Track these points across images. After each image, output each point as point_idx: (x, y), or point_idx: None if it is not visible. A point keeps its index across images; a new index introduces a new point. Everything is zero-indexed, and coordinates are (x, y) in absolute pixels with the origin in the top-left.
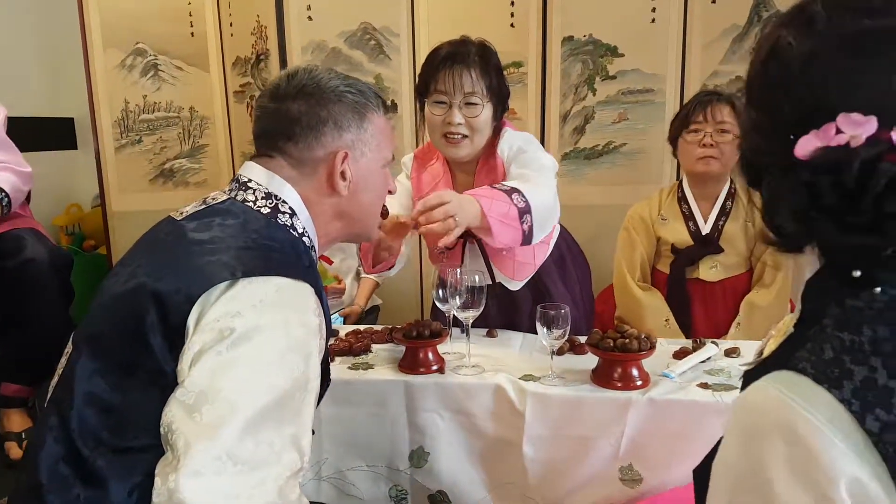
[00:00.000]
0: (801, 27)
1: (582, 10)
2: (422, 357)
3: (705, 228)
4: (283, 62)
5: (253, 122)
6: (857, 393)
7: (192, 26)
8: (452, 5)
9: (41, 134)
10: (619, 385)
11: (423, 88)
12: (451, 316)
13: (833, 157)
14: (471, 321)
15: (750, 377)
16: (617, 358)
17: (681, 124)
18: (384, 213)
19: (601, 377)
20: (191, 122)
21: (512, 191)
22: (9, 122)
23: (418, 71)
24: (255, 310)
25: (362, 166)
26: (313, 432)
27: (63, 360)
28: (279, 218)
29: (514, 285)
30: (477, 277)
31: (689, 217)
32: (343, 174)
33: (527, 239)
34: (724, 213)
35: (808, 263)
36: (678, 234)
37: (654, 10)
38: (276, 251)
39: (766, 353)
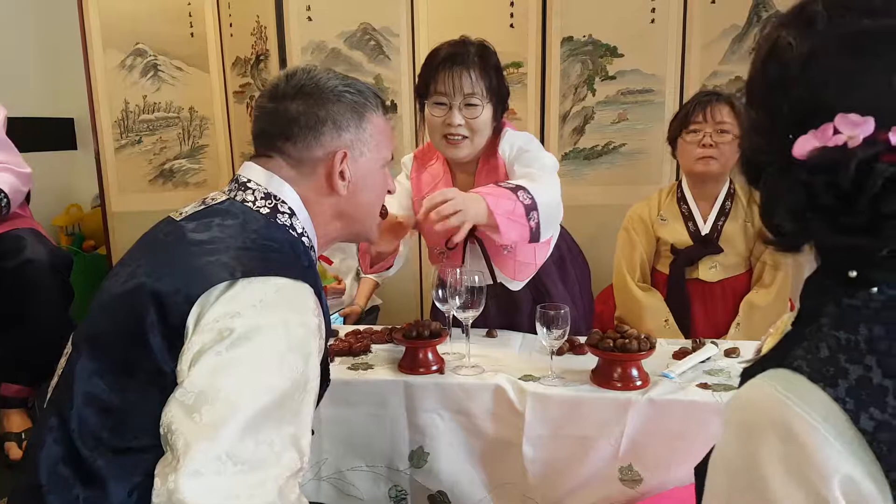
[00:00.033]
0: (801, 27)
1: (581, 11)
2: (421, 357)
3: (704, 229)
4: (283, 62)
5: (252, 122)
6: (852, 391)
7: (191, 27)
8: (452, 6)
9: (41, 134)
10: (619, 385)
11: (423, 89)
12: (451, 316)
13: (830, 157)
14: (470, 321)
15: (747, 375)
16: (617, 358)
17: (680, 125)
18: (383, 213)
19: (601, 377)
20: (190, 123)
21: (517, 188)
22: (8, 122)
23: (418, 71)
24: (255, 310)
25: (361, 166)
26: (313, 432)
27: (62, 361)
28: (278, 218)
29: (515, 285)
30: (476, 278)
31: (688, 217)
32: (342, 174)
33: (534, 236)
34: (723, 213)
35: (807, 263)
36: (677, 234)
37: (653, 10)
38: (275, 251)
39: (764, 351)
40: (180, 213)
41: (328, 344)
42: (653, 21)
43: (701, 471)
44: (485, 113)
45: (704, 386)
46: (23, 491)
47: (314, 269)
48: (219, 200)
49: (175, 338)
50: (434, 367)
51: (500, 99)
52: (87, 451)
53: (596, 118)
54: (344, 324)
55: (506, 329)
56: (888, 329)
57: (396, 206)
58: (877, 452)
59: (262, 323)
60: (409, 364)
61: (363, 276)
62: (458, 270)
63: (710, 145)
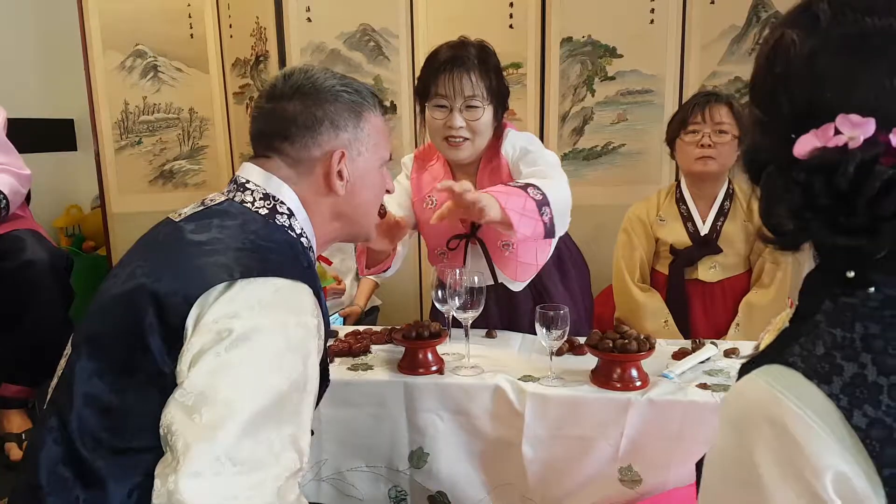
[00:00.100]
0: (805, 25)
1: (581, 11)
2: (421, 358)
3: (704, 229)
4: (283, 63)
5: (250, 122)
6: (846, 389)
7: (191, 28)
8: (451, 6)
9: (41, 135)
10: (619, 386)
11: (424, 92)
12: (451, 317)
13: (829, 158)
14: (470, 322)
15: (744, 370)
16: (616, 358)
17: (679, 125)
18: (382, 212)
19: (600, 378)
20: (190, 124)
21: (527, 186)
22: (9, 123)
23: (417, 72)
24: (254, 311)
25: (359, 166)
26: (312, 433)
27: (62, 362)
28: (277, 219)
29: (517, 286)
30: (476, 278)
31: (687, 218)
32: (340, 174)
33: (549, 231)
34: (722, 213)
35: (806, 263)
36: (677, 234)
37: (652, 10)
38: (274, 252)
39: (762, 347)
40: (179, 214)
41: (327, 344)
42: (652, 22)
43: (701, 466)
44: (486, 114)
45: (704, 386)
46: (23, 491)
47: (313, 269)
48: (218, 201)
49: (174, 338)
50: (434, 368)
51: (500, 100)
52: (86, 452)
53: (595, 119)
54: (344, 324)
55: (506, 329)
56: (884, 327)
57: (396, 206)
58: (869, 450)
59: (261, 324)
60: (409, 364)
61: (362, 276)
62: (457, 271)
63: (709, 146)
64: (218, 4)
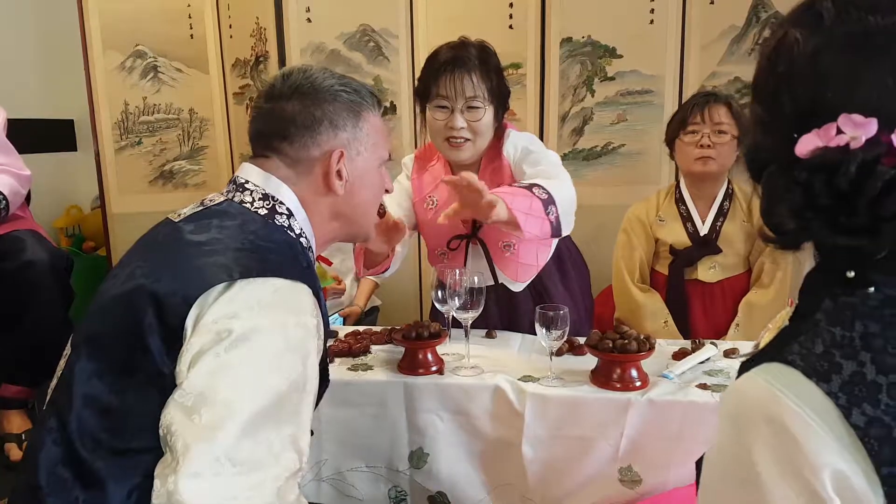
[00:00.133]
0: (809, 23)
1: (580, 12)
2: (421, 358)
3: (703, 229)
4: (283, 64)
5: (249, 123)
6: (845, 387)
7: (191, 28)
8: (451, 7)
9: (41, 136)
10: (619, 386)
11: (424, 93)
12: (451, 317)
13: (831, 157)
14: (470, 322)
15: (744, 368)
16: (616, 359)
17: (678, 126)
18: (381, 212)
19: (600, 378)
20: (190, 124)
21: (532, 185)
22: (9, 123)
23: (417, 72)
24: (253, 311)
25: (358, 165)
26: (312, 433)
27: (62, 363)
28: (277, 219)
29: (517, 287)
30: (476, 278)
31: (686, 218)
32: (339, 173)
33: (556, 230)
34: (721, 213)
35: (806, 263)
36: (676, 235)
37: (652, 11)
38: (273, 252)
39: (762, 345)
40: (178, 215)
41: (327, 345)
42: (652, 22)
43: (700, 465)
44: (487, 115)
45: (704, 386)
46: (22, 492)
47: (312, 269)
48: (217, 202)
49: (173, 339)
50: (433, 368)
51: (501, 100)
52: (86, 453)
53: (595, 119)
54: (344, 324)
55: (506, 330)
56: (884, 326)
57: (396, 206)
58: (868, 448)
59: (261, 324)
60: (409, 365)
61: (361, 277)
62: (457, 271)
63: (708, 146)
64: (218, 5)
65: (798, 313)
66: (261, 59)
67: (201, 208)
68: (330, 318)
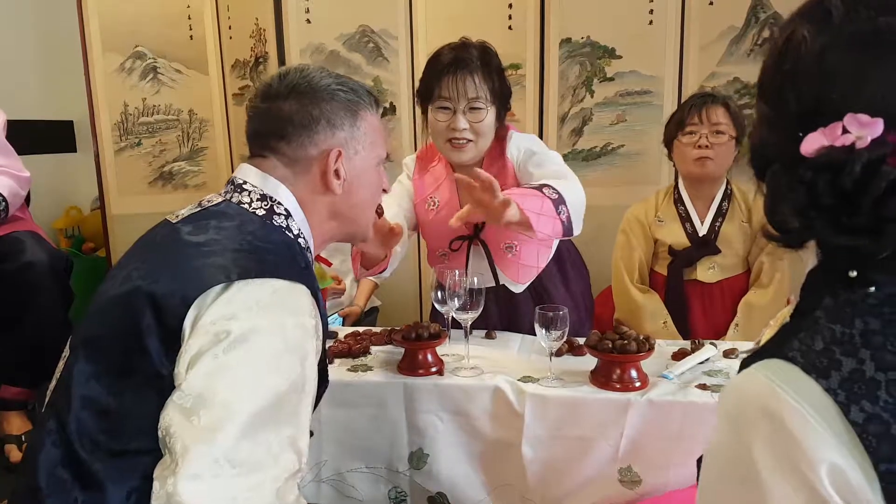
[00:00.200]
0: (817, 21)
1: (580, 12)
2: (421, 359)
3: (702, 230)
4: (282, 65)
5: (246, 122)
6: (844, 384)
7: (191, 29)
8: (450, 8)
9: (41, 137)
10: (618, 386)
11: (426, 94)
12: (450, 318)
13: (836, 156)
14: (469, 323)
15: (744, 365)
16: (616, 359)
17: (676, 126)
18: (380, 211)
19: (600, 378)
20: (190, 125)
21: (542, 186)
22: (8, 125)
23: (417, 73)
24: (251, 312)
25: (356, 165)
26: (311, 434)
27: (60, 364)
28: (275, 219)
29: (518, 288)
30: (475, 279)
31: (685, 218)
32: (337, 172)
33: (567, 230)
34: (720, 213)
35: (806, 263)
36: (675, 235)
37: (651, 11)
38: (271, 253)
39: (763, 342)
40: (176, 216)
41: (326, 345)
42: (651, 22)
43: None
44: (489, 116)
45: (703, 387)
46: (22, 493)
47: (311, 270)
48: (215, 202)
49: (172, 340)
50: (433, 369)
51: (502, 101)
52: (85, 454)
53: (594, 119)
54: (343, 324)
55: (507, 331)
56: (884, 324)
57: (396, 206)
58: (866, 445)
59: (259, 325)
60: (409, 366)
61: (358, 279)
62: (456, 272)
63: (706, 146)
64: (217, 6)
65: (799, 310)
66: (260, 60)
67: (199, 209)
68: (330, 318)
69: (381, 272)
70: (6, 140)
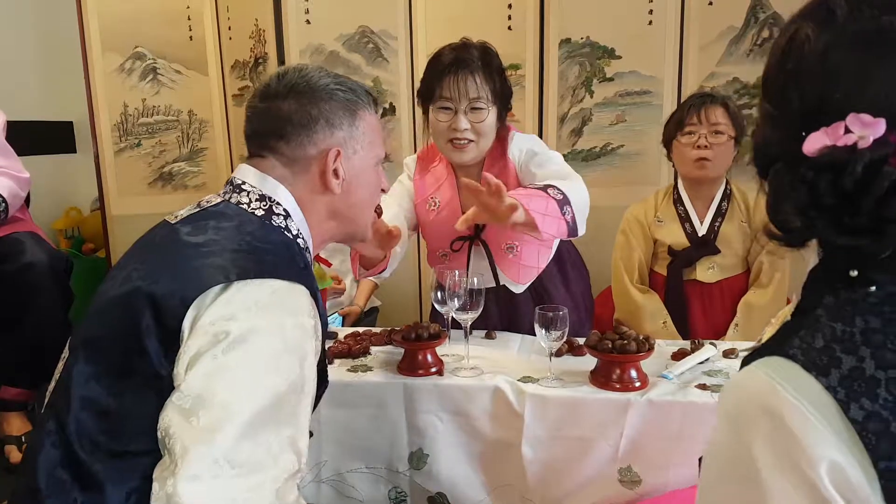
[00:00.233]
0: (821, 20)
1: (579, 13)
2: (420, 359)
3: (701, 230)
4: (282, 65)
5: (244, 123)
6: (844, 381)
7: (190, 30)
8: (450, 8)
9: (40, 137)
10: (618, 386)
11: (428, 94)
12: (450, 318)
13: (838, 156)
14: (469, 323)
15: (745, 362)
16: (615, 359)
17: (675, 127)
18: (379, 211)
19: (600, 378)
20: (190, 126)
21: (546, 187)
22: (8, 125)
23: (416, 74)
24: (250, 313)
25: (355, 164)
26: (311, 434)
27: (60, 365)
28: (273, 220)
29: (518, 288)
30: (475, 280)
31: (684, 219)
32: (336, 172)
33: (572, 230)
34: (720, 214)
35: (810, 261)
36: (674, 235)
37: (651, 12)
38: (270, 253)
39: (765, 340)
40: (175, 217)
41: (325, 346)
42: (650, 23)
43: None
44: (490, 116)
45: (703, 387)
46: (22, 494)
47: (310, 270)
48: (213, 203)
49: (171, 341)
50: (433, 369)
51: (504, 101)
52: (84, 455)
53: (594, 120)
54: (343, 323)
55: (507, 331)
56: (884, 322)
57: (397, 206)
58: (865, 442)
59: (258, 326)
60: (409, 366)
61: (357, 279)
62: (456, 272)
63: (705, 146)
64: (217, 6)
65: (800, 309)
66: (260, 60)
67: (198, 210)
68: (330, 318)
69: (380, 272)
70: (6, 141)
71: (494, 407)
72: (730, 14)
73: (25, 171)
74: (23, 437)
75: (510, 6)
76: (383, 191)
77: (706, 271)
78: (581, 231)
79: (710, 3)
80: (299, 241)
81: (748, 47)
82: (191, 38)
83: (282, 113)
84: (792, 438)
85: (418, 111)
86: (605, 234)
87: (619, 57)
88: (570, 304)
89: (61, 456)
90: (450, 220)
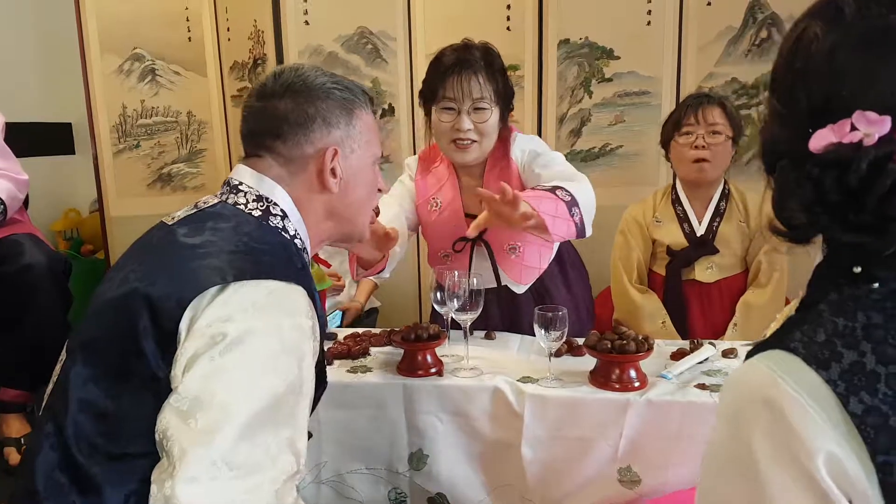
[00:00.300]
0: (829, 18)
1: (578, 13)
2: (420, 360)
3: (700, 230)
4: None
5: (241, 122)
6: (844, 375)
7: (189, 31)
8: (448, 9)
9: (39, 139)
10: (617, 386)
11: (430, 95)
12: (450, 318)
13: (843, 153)
14: (469, 324)
15: (749, 356)
16: (615, 359)
17: (672, 127)
18: (377, 211)
19: (599, 379)
20: (188, 127)
21: (554, 188)
22: (7, 127)
23: (415, 74)
24: (247, 314)
25: (352, 163)
26: (310, 435)
27: (57, 367)
28: (271, 220)
29: (519, 288)
30: (475, 280)
31: (683, 219)
32: (333, 171)
33: (580, 231)
34: (718, 213)
35: (813, 258)
36: (673, 235)
37: (649, 12)
38: (267, 254)
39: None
40: (173, 218)
41: (325, 346)
42: (649, 23)
43: None
44: (493, 116)
45: (702, 387)
46: (20, 497)
47: (307, 270)
48: (211, 204)
49: (168, 343)
50: (433, 370)
51: (506, 101)
52: (82, 458)
53: (593, 120)
54: (343, 318)
55: (508, 332)
56: (886, 318)
57: (398, 206)
58: (864, 436)
59: (255, 327)
60: (408, 366)
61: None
62: (455, 273)
63: (703, 147)
64: (216, 7)
65: (804, 304)
66: (259, 61)
67: (195, 211)
68: (331, 314)
69: (378, 272)
70: (4, 143)
71: (494, 407)
72: (728, 14)
73: (24, 172)
74: (22, 439)
75: (509, 7)
76: (380, 191)
77: (705, 271)
78: (588, 232)
79: (709, 4)
80: (297, 241)
81: (746, 47)
82: (189, 39)
83: (278, 112)
84: (791, 431)
85: (417, 112)
86: (603, 234)
87: (618, 57)
88: (570, 305)
89: (59, 458)
90: (451, 220)
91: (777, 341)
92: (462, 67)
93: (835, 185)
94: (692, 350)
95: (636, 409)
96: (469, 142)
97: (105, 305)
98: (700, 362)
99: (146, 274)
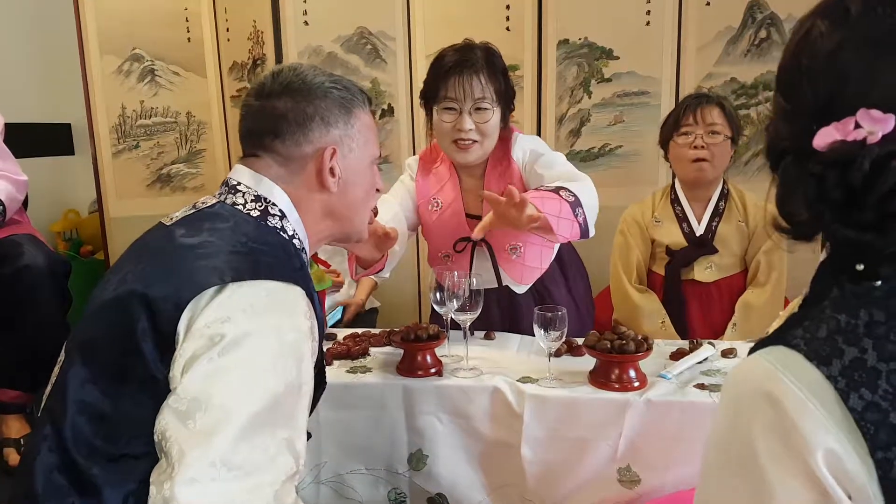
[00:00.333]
0: (835, 18)
1: (577, 14)
2: (420, 360)
3: (699, 229)
4: None
5: (239, 121)
6: (845, 371)
7: (188, 32)
8: (448, 9)
9: (38, 140)
10: (617, 386)
11: (432, 95)
12: (449, 318)
13: (847, 151)
14: (468, 324)
15: (751, 352)
16: (614, 359)
17: (671, 128)
18: (376, 210)
19: (599, 379)
20: (188, 127)
21: (558, 189)
22: (6, 128)
23: (415, 75)
24: (245, 315)
25: (351, 163)
26: (309, 435)
27: (56, 369)
28: (269, 220)
29: (520, 289)
30: (474, 280)
31: (682, 219)
32: (332, 170)
33: (584, 232)
34: (717, 213)
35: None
36: (672, 235)
37: (648, 12)
38: (266, 255)
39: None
40: (171, 219)
41: (324, 347)
42: (648, 23)
43: None
44: (494, 116)
45: (702, 387)
46: (20, 498)
47: (306, 270)
48: (209, 204)
49: (166, 344)
50: (432, 370)
51: (507, 102)
52: (81, 459)
53: (592, 120)
54: (343, 313)
55: (508, 332)
56: (888, 315)
57: (398, 206)
58: (863, 432)
59: (253, 327)
60: (408, 367)
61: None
62: (455, 273)
63: (702, 147)
64: (215, 8)
65: (807, 301)
66: (258, 62)
67: (193, 211)
68: (331, 312)
69: (377, 272)
70: (3, 143)
71: (494, 407)
72: (727, 14)
73: (23, 173)
74: (21, 440)
75: (508, 7)
76: (378, 190)
77: (704, 271)
78: (592, 232)
79: (708, 4)
80: (295, 241)
81: (745, 48)
82: (189, 39)
83: (277, 111)
84: (791, 426)
85: (417, 112)
86: (603, 234)
87: (617, 58)
88: (571, 305)
89: (58, 460)
90: (452, 220)
91: (779, 337)
92: (464, 67)
93: (838, 183)
94: (691, 350)
95: (636, 409)
96: (470, 142)
97: (103, 306)
98: (699, 362)
99: (144, 275)
